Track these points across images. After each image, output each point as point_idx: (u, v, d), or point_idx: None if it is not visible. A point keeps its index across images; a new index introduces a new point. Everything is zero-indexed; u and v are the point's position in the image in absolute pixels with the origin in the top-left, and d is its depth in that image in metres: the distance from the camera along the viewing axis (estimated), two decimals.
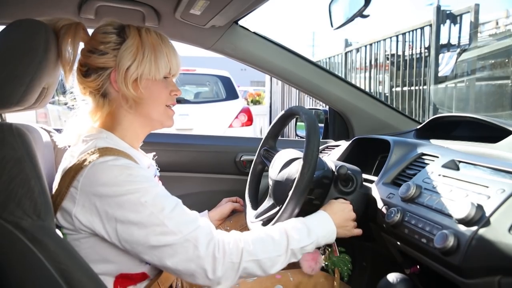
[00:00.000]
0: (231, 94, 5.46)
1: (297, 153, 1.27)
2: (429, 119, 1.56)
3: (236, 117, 5.19)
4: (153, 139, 1.75)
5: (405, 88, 5.00)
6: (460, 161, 1.07)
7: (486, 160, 1.02)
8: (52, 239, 0.84)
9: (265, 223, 1.23)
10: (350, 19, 1.06)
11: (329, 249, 1.24)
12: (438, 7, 4.44)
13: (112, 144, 0.97)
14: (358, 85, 5.77)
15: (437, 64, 4.47)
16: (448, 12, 4.40)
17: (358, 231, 1.16)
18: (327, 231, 1.08)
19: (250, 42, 1.57)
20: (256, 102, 11.52)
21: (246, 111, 5.30)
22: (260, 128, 8.42)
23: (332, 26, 1.19)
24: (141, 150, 1.17)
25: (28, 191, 0.82)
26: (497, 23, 7.10)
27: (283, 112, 1.38)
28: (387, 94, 5.42)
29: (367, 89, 5.68)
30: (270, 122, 8.55)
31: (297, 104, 7.40)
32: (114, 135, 1.02)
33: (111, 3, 1.30)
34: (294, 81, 1.68)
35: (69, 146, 1.05)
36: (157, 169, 1.21)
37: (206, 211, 1.51)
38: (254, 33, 1.57)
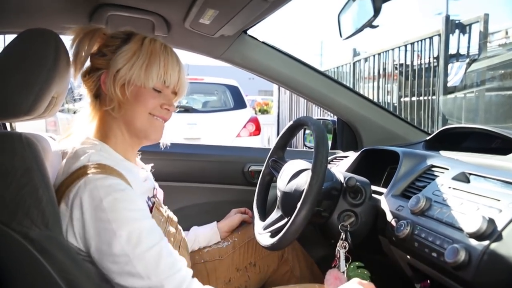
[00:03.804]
0: (239, 103, 5.48)
1: (306, 164, 1.27)
2: (438, 130, 1.55)
3: (244, 126, 5.20)
4: (162, 149, 1.75)
5: (414, 98, 4.98)
6: (470, 174, 1.05)
7: (497, 172, 1.01)
8: (59, 249, 0.84)
9: (273, 234, 1.22)
10: (359, 30, 1.06)
11: (347, 264, 1.20)
12: (447, 17, 4.43)
13: (106, 158, 0.96)
14: (366, 95, 5.77)
15: (446, 74, 4.45)
16: (457, 21, 4.38)
17: None
18: None
19: (258, 51, 1.58)
20: (264, 112, 11.55)
21: (254, 121, 5.32)
22: (268, 137, 8.43)
23: (341, 36, 1.19)
24: (140, 162, 1.17)
25: (36, 200, 0.83)
26: (506, 33, 7.07)
27: (291, 122, 1.37)
28: (395, 104, 5.40)
29: (375, 99, 5.67)
30: (278, 132, 8.57)
31: (305, 114, 7.40)
32: (107, 145, 1.02)
33: (121, 12, 1.32)
34: (302, 91, 1.68)
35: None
36: (154, 181, 1.20)
37: (215, 222, 1.51)
38: (262, 42, 1.57)
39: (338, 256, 1.15)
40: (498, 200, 0.88)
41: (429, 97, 4.73)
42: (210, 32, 1.36)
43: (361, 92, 5.85)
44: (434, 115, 4.66)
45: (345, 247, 1.15)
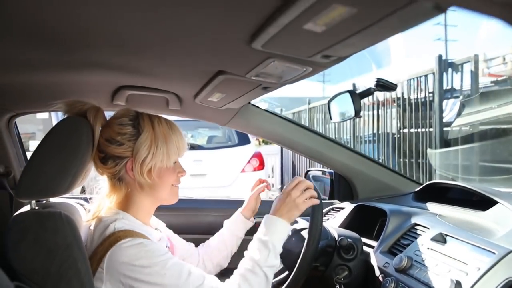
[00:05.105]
0: (243, 139, 5.63)
1: (304, 223, 1.43)
2: (425, 184, 1.71)
3: (248, 162, 5.35)
4: (175, 205, 1.90)
5: (413, 130, 5.13)
6: (447, 235, 1.21)
7: (468, 235, 1.16)
8: None
9: (275, 286, 1.38)
10: (345, 120, 1.25)
11: None
12: (440, 56, 4.64)
13: (128, 225, 1.12)
14: (367, 123, 5.92)
15: (441, 110, 4.62)
16: (449, 61, 4.59)
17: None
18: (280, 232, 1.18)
19: (261, 118, 1.75)
20: (267, 142, 11.73)
21: (258, 156, 5.46)
22: (272, 166, 8.57)
23: (331, 119, 1.38)
24: (153, 223, 1.32)
25: (76, 272, 0.98)
26: (504, 59, 7.24)
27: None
28: (395, 136, 5.54)
29: (375, 128, 5.82)
30: (282, 161, 8.70)
31: None
32: (128, 214, 1.16)
33: (140, 92, 1.46)
34: (301, 150, 1.86)
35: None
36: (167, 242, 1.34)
37: (238, 212, 1.54)
38: (264, 110, 1.75)
39: None
40: (466, 264, 1.03)
41: (427, 129, 4.89)
42: (217, 106, 1.53)
43: (362, 120, 6.03)
44: (432, 146, 4.82)
45: None
